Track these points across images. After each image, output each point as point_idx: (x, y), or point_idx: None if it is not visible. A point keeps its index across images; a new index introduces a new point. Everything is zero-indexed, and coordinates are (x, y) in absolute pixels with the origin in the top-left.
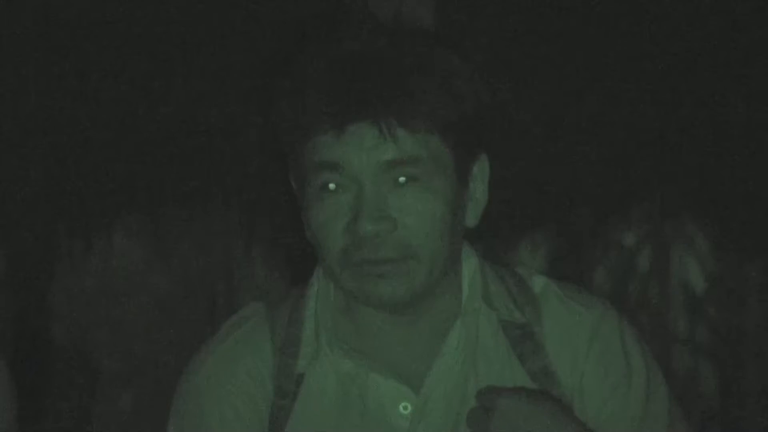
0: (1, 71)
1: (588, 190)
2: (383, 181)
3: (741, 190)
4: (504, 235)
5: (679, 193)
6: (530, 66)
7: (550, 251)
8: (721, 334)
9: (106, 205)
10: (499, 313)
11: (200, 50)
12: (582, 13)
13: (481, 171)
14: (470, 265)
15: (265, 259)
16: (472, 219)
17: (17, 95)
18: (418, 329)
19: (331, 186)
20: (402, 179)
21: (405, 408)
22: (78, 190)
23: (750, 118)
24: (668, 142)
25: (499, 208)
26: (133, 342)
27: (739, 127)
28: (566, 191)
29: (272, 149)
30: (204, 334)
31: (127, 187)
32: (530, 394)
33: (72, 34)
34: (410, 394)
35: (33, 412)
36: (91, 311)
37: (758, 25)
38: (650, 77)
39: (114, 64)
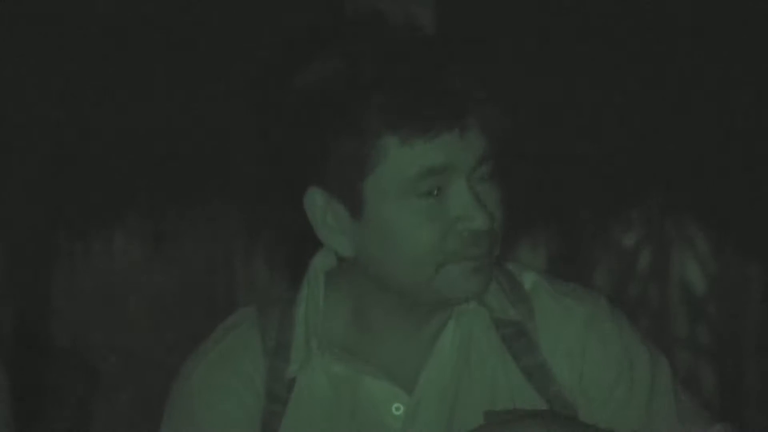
0: (1, 71)
1: (588, 191)
2: (476, 178)
3: (741, 191)
4: (504, 235)
5: (680, 194)
6: (531, 65)
7: (550, 251)
8: (721, 334)
9: (106, 205)
10: (493, 311)
11: (201, 52)
12: (582, 13)
13: None
14: None
15: (266, 260)
16: None
17: (17, 95)
18: (415, 329)
19: (433, 190)
20: (486, 176)
21: (397, 409)
22: (78, 190)
23: (750, 120)
24: (669, 144)
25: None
26: (132, 342)
27: (740, 129)
28: (566, 192)
29: (287, 156)
30: (204, 334)
31: (127, 187)
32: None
33: (72, 35)
34: (402, 394)
35: (33, 411)
36: (90, 311)
37: (758, 26)
38: (651, 78)
39: (114, 65)
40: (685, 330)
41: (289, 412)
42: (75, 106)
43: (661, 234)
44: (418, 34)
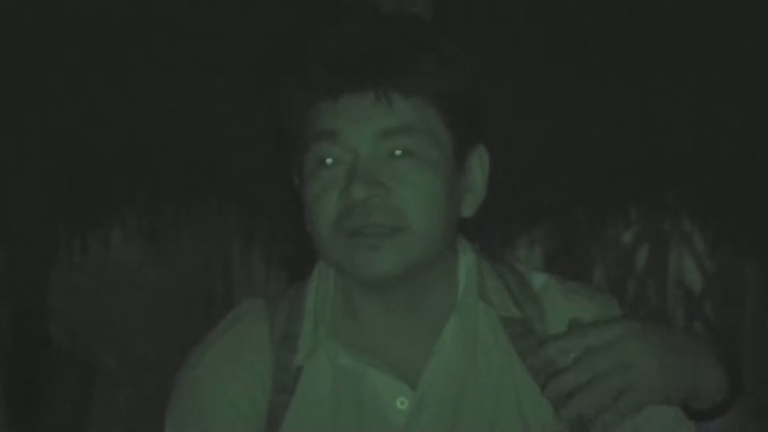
0: (1, 70)
1: (586, 189)
2: (379, 152)
3: (738, 189)
4: (501, 233)
5: (677, 192)
6: (529, 63)
7: (548, 249)
8: (719, 332)
9: (103, 203)
10: (496, 308)
11: (199, 50)
12: (581, 12)
13: (480, 161)
14: (467, 259)
15: (264, 259)
16: (469, 209)
17: (17, 95)
18: (415, 323)
19: (329, 161)
20: (398, 152)
21: (402, 403)
22: (76, 188)
23: (748, 118)
24: (667, 142)
25: (497, 206)
26: (131, 340)
27: (737, 127)
28: (564, 189)
29: (273, 146)
30: (202, 333)
31: (126, 185)
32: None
33: (71, 34)
34: (407, 389)
35: (31, 411)
36: (89, 310)
37: (758, 25)
38: (650, 76)
39: (113, 64)
40: (683, 328)
41: (294, 402)
42: (73, 105)
43: (659, 232)
44: (378, 19)
